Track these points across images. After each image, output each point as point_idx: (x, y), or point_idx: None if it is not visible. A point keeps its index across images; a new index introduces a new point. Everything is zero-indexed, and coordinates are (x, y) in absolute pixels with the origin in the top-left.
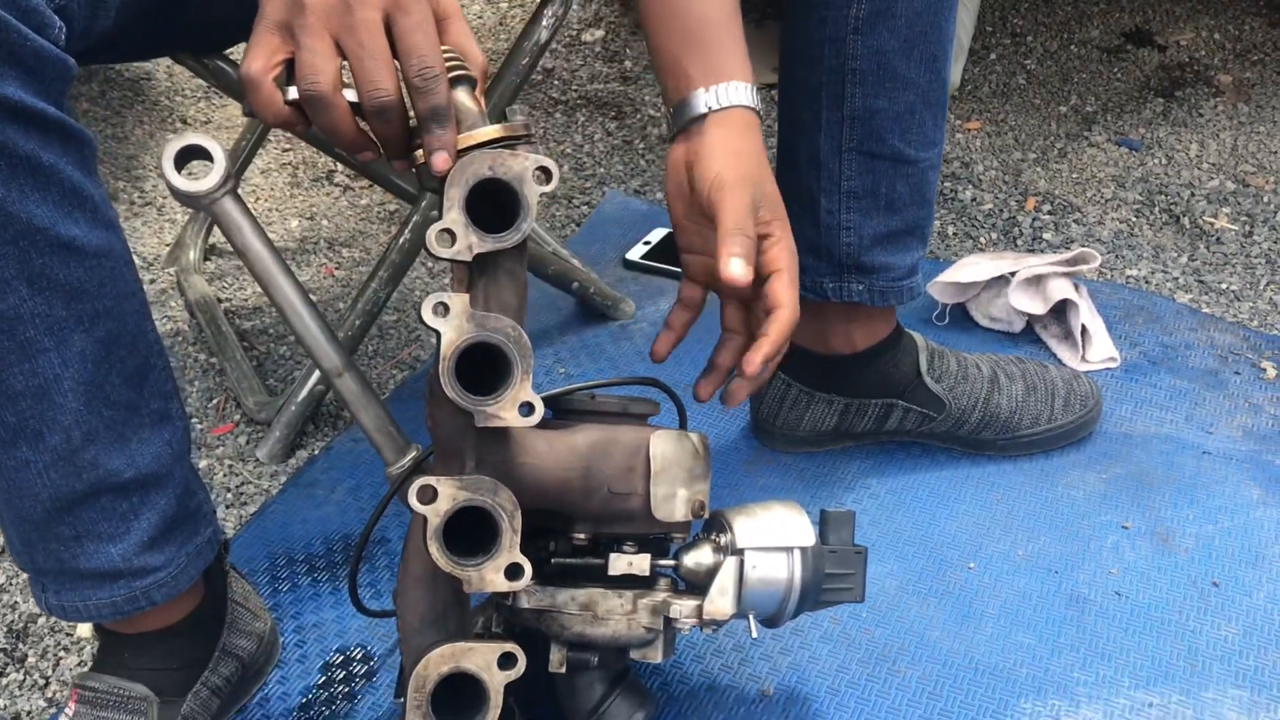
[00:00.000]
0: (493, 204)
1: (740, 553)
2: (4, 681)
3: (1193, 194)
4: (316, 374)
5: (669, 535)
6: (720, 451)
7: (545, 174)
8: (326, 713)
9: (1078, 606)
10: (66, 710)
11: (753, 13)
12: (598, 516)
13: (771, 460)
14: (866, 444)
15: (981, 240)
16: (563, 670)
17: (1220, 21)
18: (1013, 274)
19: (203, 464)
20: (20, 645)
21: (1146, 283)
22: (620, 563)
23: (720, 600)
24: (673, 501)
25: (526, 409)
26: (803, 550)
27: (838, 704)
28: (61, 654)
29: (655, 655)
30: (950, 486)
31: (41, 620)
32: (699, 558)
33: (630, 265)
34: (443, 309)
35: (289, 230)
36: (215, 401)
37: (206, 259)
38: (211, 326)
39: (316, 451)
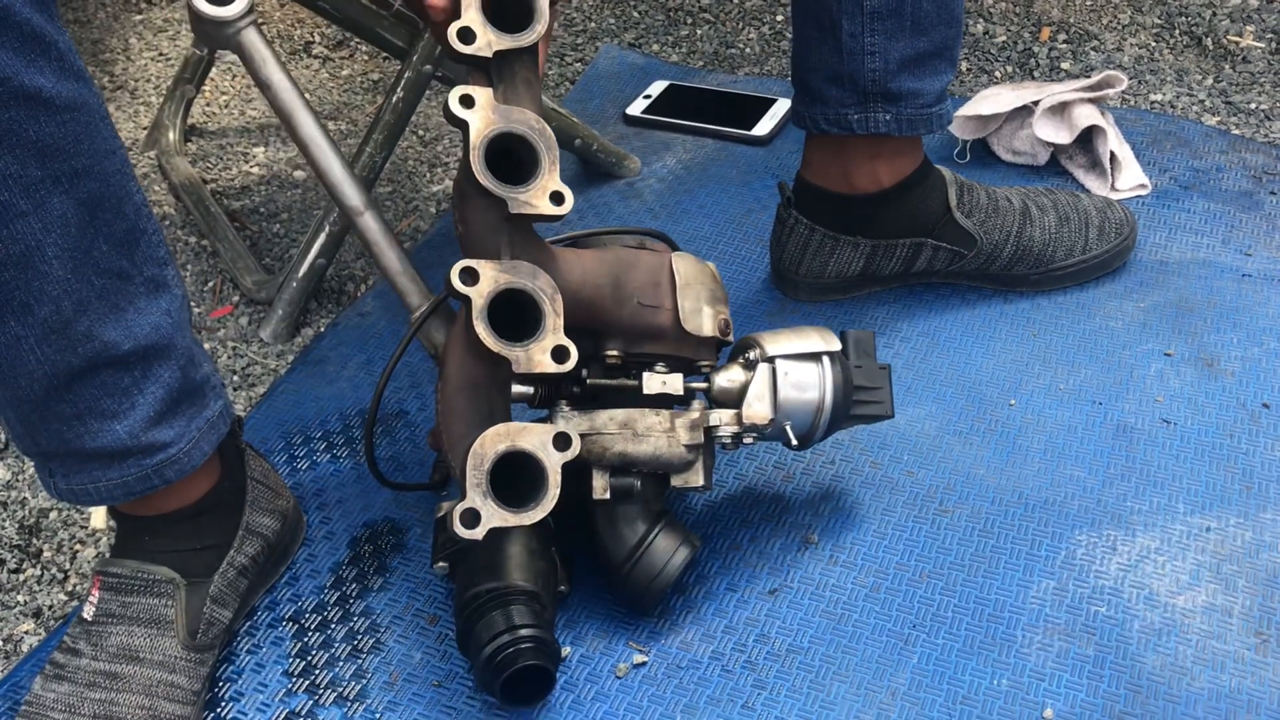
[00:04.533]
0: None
1: (772, 360)
2: (22, 578)
3: (1214, 13)
4: (316, 247)
5: (698, 361)
6: (741, 305)
7: None
8: (358, 589)
9: (1125, 436)
10: (91, 599)
11: None
12: (628, 329)
13: (796, 310)
14: (894, 287)
15: (997, 74)
16: (606, 496)
17: None
18: (1035, 103)
19: (205, 346)
20: (34, 540)
21: (1172, 107)
22: (654, 381)
23: (758, 405)
24: (700, 316)
25: (557, 198)
26: (831, 356)
27: (885, 547)
28: (77, 547)
29: (697, 479)
30: (984, 324)
31: (54, 514)
32: (731, 375)
33: (631, 120)
34: (469, 101)
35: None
36: (211, 284)
37: (187, 140)
38: (200, 208)
39: (322, 329)
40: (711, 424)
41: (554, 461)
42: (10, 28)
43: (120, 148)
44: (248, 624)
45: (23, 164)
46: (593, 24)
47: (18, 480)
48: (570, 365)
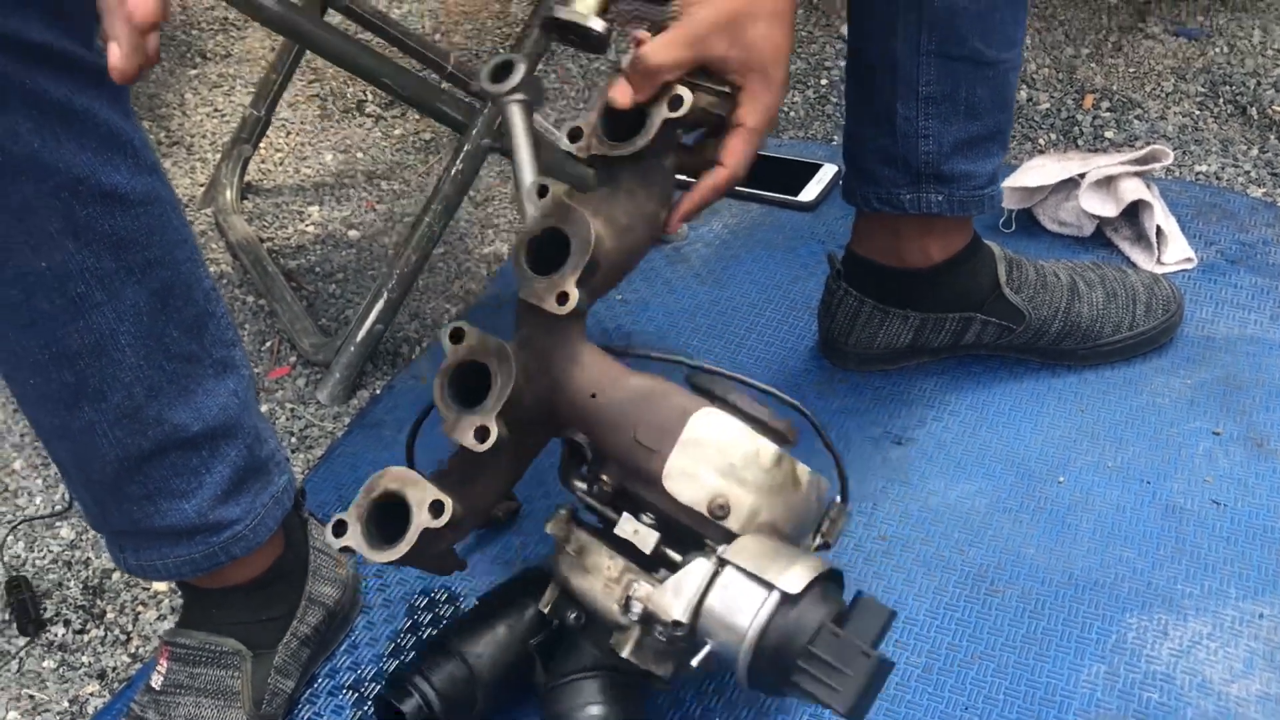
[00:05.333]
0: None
1: (722, 563)
2: (86, 638)
3: (1259, 83)
4: (375, 313)
5: (701, 533)
6: (790, 374)
7: (677, 101)
8: (416, 656)
9: (1175, 517)
10: (159, 668)
11: None
12: (621, 461)
13: (845, 380)
14: (942, 359)
15: (1041, 141)
16: (545, 610)
17: None
18: (1081, 176)
19: (263, 408)
20: (98, 601)
21: (1217, 178)
22: (627, 525)
23: (669, 598)
24: (688, 481)
25: (562, 298)
26: (786, 597)
27: (938, 627)
28: (140, 609)
29: (624, 647)
30: (1032, 399)
31: (117, 575)
32: (691, 557)
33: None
34: (543, 190)
35: (324, 164)
36: (268, 344)
37: (243, 198)
38: (257, 267)
39: (378, 391)
40: (630, 591)
41: (420, 521)
42: (91, 130)
43: (190, 236)
44: (308, 691)
45: (98, 257)
46: None
47: (81, 540)
48: (485, 447)
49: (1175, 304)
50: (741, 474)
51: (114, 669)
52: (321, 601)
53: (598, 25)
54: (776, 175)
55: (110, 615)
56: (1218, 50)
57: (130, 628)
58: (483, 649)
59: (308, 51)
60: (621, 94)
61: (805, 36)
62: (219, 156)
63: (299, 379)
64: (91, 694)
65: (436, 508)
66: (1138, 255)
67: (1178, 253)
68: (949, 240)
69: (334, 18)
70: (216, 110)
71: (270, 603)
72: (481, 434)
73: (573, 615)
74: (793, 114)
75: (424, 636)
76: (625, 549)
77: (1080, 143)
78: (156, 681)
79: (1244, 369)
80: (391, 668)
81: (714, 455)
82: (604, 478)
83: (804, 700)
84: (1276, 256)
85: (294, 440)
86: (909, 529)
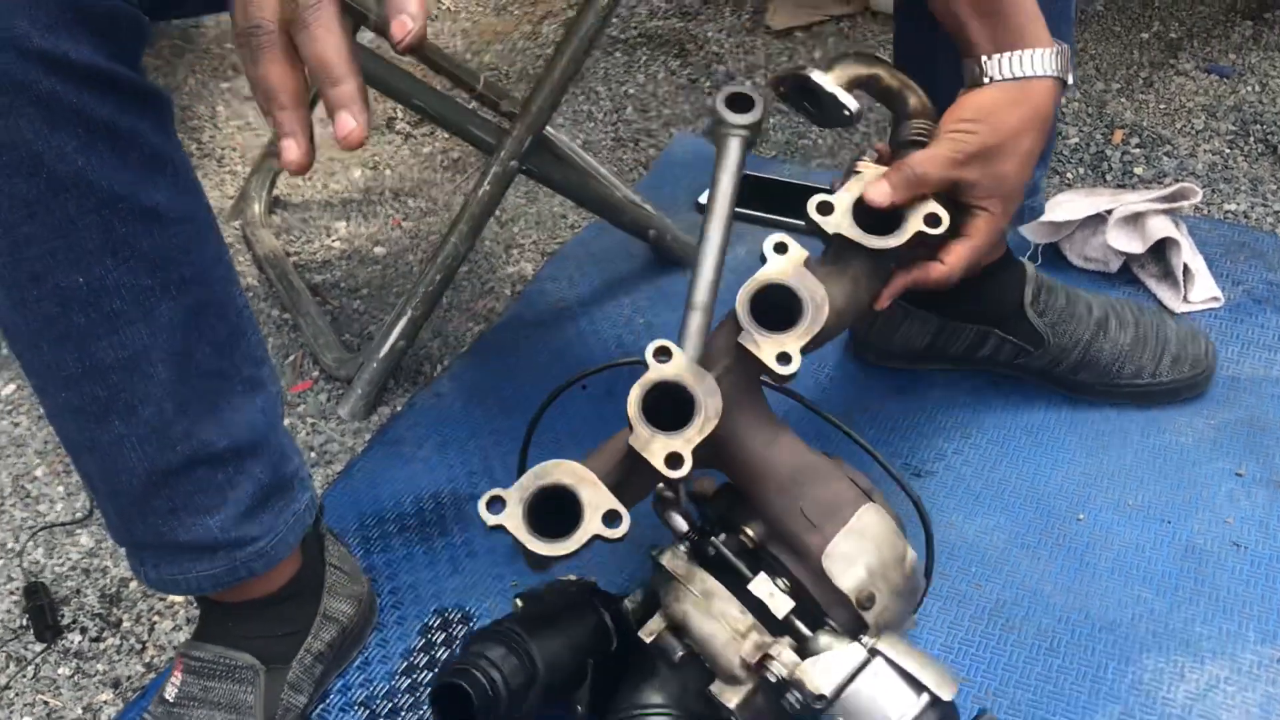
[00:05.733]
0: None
1: (876, 652)
2: (102, 647)
3: None
4: (398, 330)
5: (827, 613)
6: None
7: (935, 220)
8: (429, 676)
9: (1195, 558)
10: (173, 680)
11: None
12: (774, 523)
13: (865, 410)
14: (962, 370)
15: (1069, 176)
16: (648, 640)
17: None
18: (1109, 212)
19: (284, 422)
20: (114, 610)
21: (1246, 217)
22: (764, 585)
23: (818, 672)
24: (846, 565)
25: (784, 358)
26: (937, 701)
27: (952, 661)
28: (156, 619)
29: (732, 700)
30: (1053, 435)
31: (134, 585)
32: (832, 641)
33: (703, 209)
34: (781, 248)
35: (352, 181)
36: (292, 358)
37: (271, 212)
38: (283, 281)
39: (399, 408)
40: (771, 653)
41: (592, 526)
42: (134, 150)
43: (226, 254)
44: (320, 707)
45: (135, 274)
46: (667, 110)
47: (100, 548)
48: (677, 475)
49: (1205, 364)
50: (889, 574)
51: (128, 678)
52: (336, 618)
53: (853, 104)
54: (800, 203)
55: (126, 624)
56: (1249, 89)
57: (146, 637)
58: (546, 652)
59: None
60: (880, 194)
61: None
62: (249, 170)
63: (321, 394)
64: (105, 702)
65: (612, 518)
66: (1164, 293)
67: (1204, 291)
68: None
69: (365, 35)
70: (248, 124)
71: (286, 618)
72: (675, 461)
73: (679, 654)
74: (820, 142)
75: (437, 655)
76: (752, 605)
77: (1109, 178)
78: (170, 693)
79: (1269, 410)
80: (404, 686)
81: (872, 550)
82: (748, 532)
83: None
84: None
85: (313, 455)
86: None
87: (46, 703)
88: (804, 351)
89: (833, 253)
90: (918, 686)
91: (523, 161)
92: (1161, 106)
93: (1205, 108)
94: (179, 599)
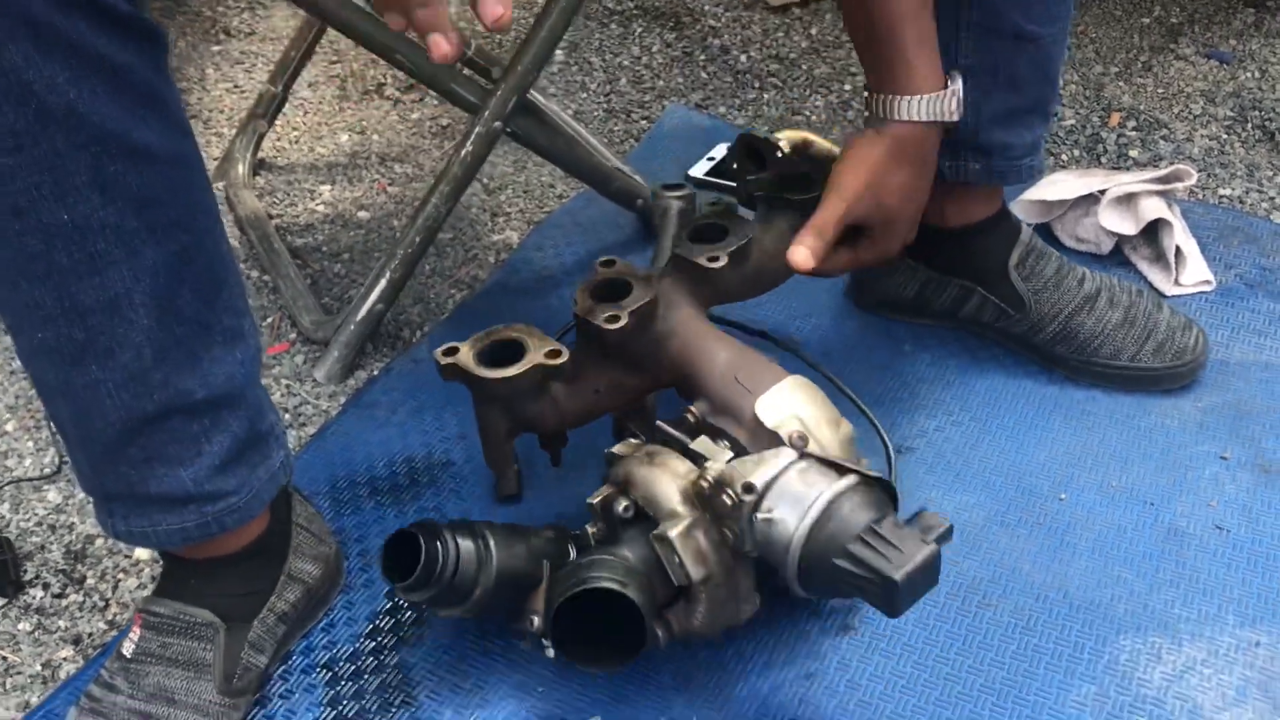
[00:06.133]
0: None
1: (806, 455)
2: (64, 603)
3: None
4: (376, 292)
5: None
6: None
7: None
8: (393, 640)
9: (1176, 540)
10: (131, 635)
11: None
12: (714, 397)
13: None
14: (947, 326)
15: (1064, 158)
16: (595, 501)
17: None
18: (1101, 192)
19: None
20: (79, 566)
21: (1241, 202)
22: (704, 443)
23: (750, 466)
24: (777, 412)
25: (714, 259)
26: (863, 480)
27: (926, 638)
28: (120, 575)
29: (672, 529)
30: (1038, 414)
31: (100, 541)
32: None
33: (694, 182)
34: (717, 202)
35: (339, 145)
36: (270, 320)
37: (255, 174)
38: (264, 243)
39: (375, 372)
40: (709, 465)
41: (535, 357)
42: (128, 86)
43: (213, 200)
44: (282, 668)
45: (121, 215)
46: (661, 82)
47: (68, 504)
48: (615, 328)
49: (1191, 356)
50: (822, 430)
51: (90, 635)
52: (301, 579)
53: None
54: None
55: (90, 581)
56: (1249, 75)
57: (110, 594)
58: (502, 546)
59: (329, 31)
60: (803, 260)
61: (831, 41)
62: (235, 132)
63: (297, 356)
64: (65, 659)
65: (554, 354)
66: (1155, 275)
67: (1196, 274)
68: (970, 208)
69: None
70: (236, 86)
71: (249, 576)
72: (613, 319)
73: (622, 506)
74: (814, 118)
75: (403, 619)
76: (695, 461)
77: (1104, 160)
78: (128, 649)
79: (1256, 395)
80: (368, 648)
81: (802, 403)
82: (691, 409)
83: (849, 590)
84: None
85: (288, 417)
86: None
87: (5, 658)
88: (729, 290)
89: (761, 212)
90: (842, 471)
91: (507, 123)
92: (1160, 91)
93: (1204, 93)
94: (144, 556)
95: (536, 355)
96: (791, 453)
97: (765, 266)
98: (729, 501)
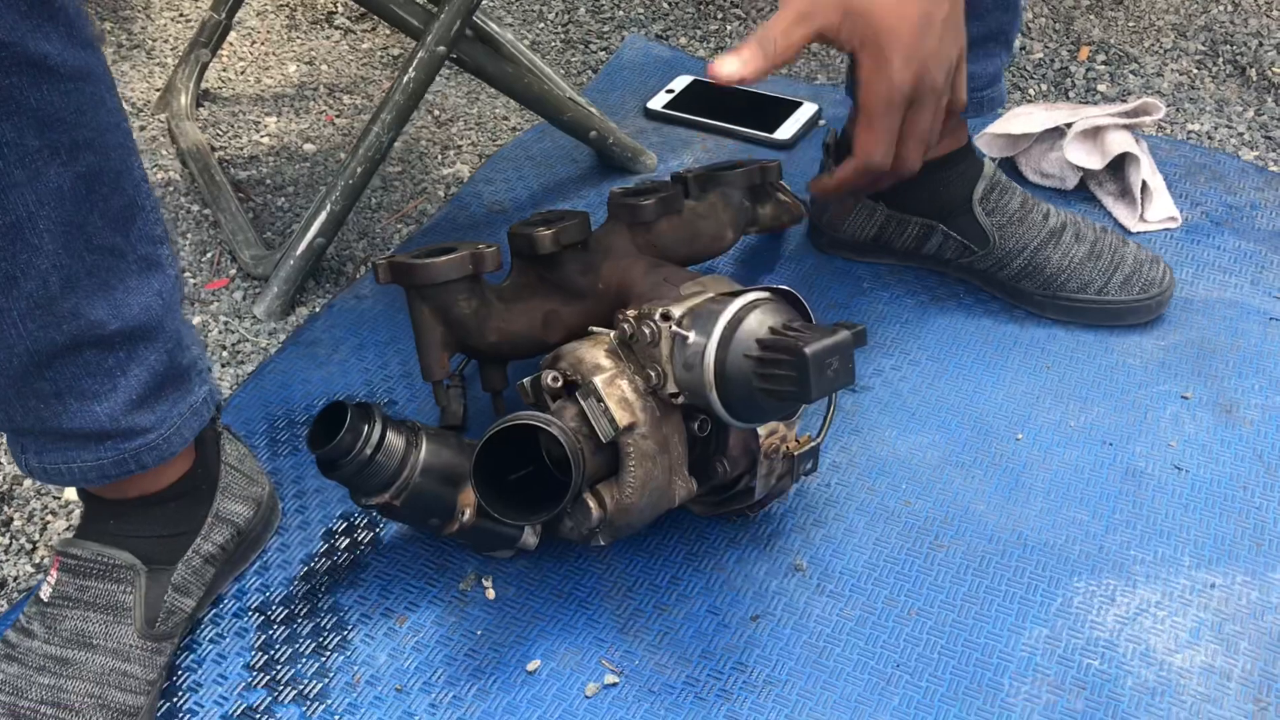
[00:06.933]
0: None
1: (724, 298)
2: None
3: (1261, 44)
4: (317, 225)
5: None
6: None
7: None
8: (329, 581)
9: (1134, 481)
10: (49, 579)
11: None
12: (643, 297)
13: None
14: (908, 265)
15: (1031, 92)
16: (525, 382)
17: None
18: (1068, 126)
19: (196, 320)
20: (5, 508)
21: (1209, 138)
22: (631, 316)
23: (671, 305)
24: (698, 288)
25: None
26: (772, 294)
27: (875, 579)
28: (49, 518)
29: (597, 376)
30: (997, 353)
31: (27, 483)
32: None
33: (652, 115)
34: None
35: (286, 75)
36: (209, 255)
37: (199, 105)
38: (205, 175)
39: (317, 309)
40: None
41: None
42: None
43: (124, 121)
44: (213, 612)
45: (20, 133)
46: (621, 12)
47: None
48: (548, 235)
49: (1158, 290)
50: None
51: (15, 579)
52: (230, 520)
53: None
54: (754, 112)
55: (17, 523)
56: (1221, 8)
57: (37, 537)
58: (434, 439)
59: None
60: (729, 68)
61: None
62: (178, 62)
63: (236, 292)
64: None
65: (487, 245)
66: (1120, 211)
67: (1162, 211)
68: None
69: None
70: (181, 15)
71: (173, 518)
72: (546, 228)
73: (550, 377)
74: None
75: (339, 561)
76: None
77: (1072, 95)
78: (45, 593)
79: (1220, 333)
80: (302, 591)
81: (724, 283)
82: (625, 312)
83: (767, 395)
84: (1263, 221)
85: (225, 354)
86: (854, 478)
87: None
88: (664, 208)
89: (696, 191)
90: (754, 291)
91: (452, 48)
92: (1130, 24)
93: (1175, 26)
94: (74, 497)
95: (469, 248)
96: (708, 294)
97: (699, 227)
98: (649, 332)
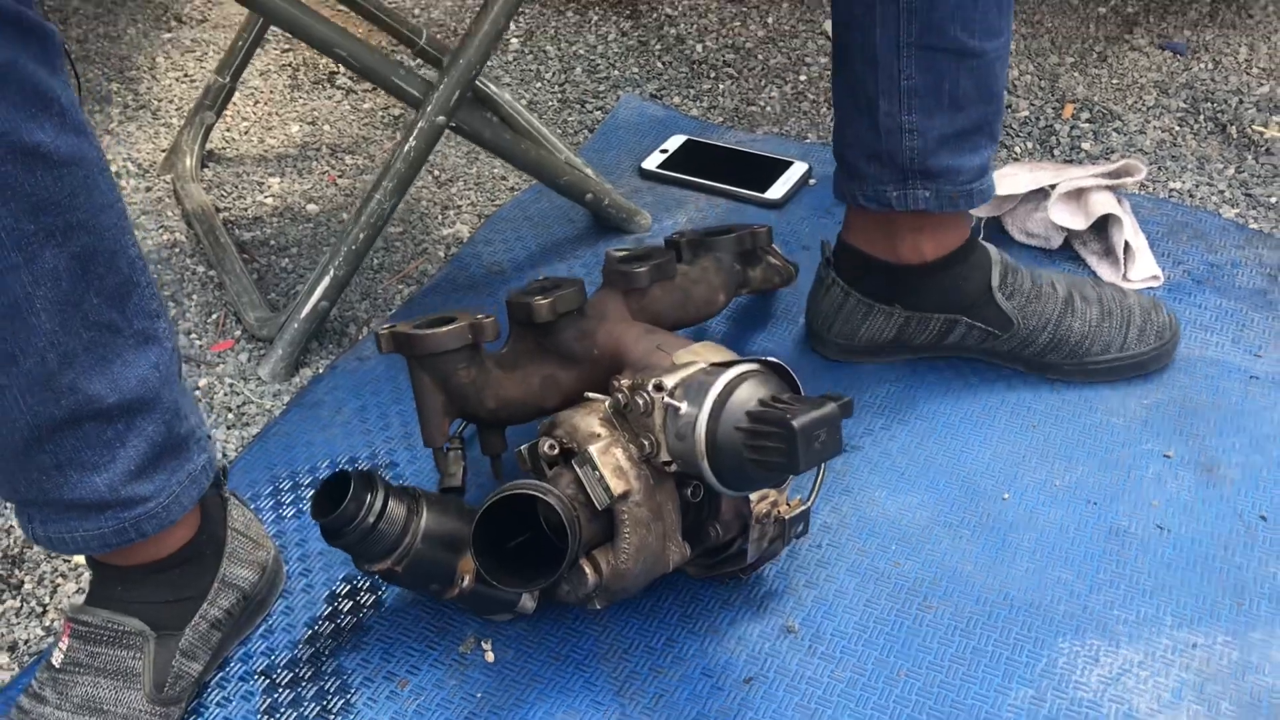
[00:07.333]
0: None
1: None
2: (0, 609)
3: (1241, 101)
4: (320, 290)
5: None
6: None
7: None
8: (333, 644)
9: (1118, 540)
10: (60, 645)
11: None
12: (637, 364)
13: (809, 369)
14: (924, 357)
15: (1017, 149)
16: (523, 449)
17: None
18: (1052, 187)
19: (203, 382)
20: (16, 571)
21: (1191, 196)
22: (623, 385)
23: (665, 375)
24: (690, 356)
25: (637, 267)
26: (762, 366)
27: (866, 640)
28: (59, 580)
29: (592, 444)
30: (984, 412)
31: (38, 546)
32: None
33: (646, 174)
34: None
35: (289, 135)
36: (215, 316)
37: (203, 166)
38: (210, 237)
39: (321, 370)
40: (628, 379)
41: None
42: (12, 83)
43: (118, 201)
44: (219, 675)
45: (16, 218)
46: (616, 72)
47: (6, 508)
48: (545, 302)
49: (1170, 332)
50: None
51: (26, 641)
52: (236, 584)
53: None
54: (746, 171)
55: (28, 586)
56: (1202, 66)
57: (47, 600)
58: (435, 506)
59: None
60: None
61: (787, 30)
62: (183, 123)
63: (242, 354)
64: (0, 666)
65: (485, 315)
66: (1105, 270)
67: (1145, 270)
68: (943, 238)
69: None
70: (187, 75)
71: (180, 583)
72: (543, 297)
73: (548, 445)
74: (769, 109)
75: (343, 624)
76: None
77: (1057, 153)
78: (56, 659)
79: (1201, 392)
80: (307, 655)
81: (714, 353)
82: (620, 381)
83: (756, 465)
84: (1243, 279)
85: (230, 416)
86: (845, 538)
87: None
88: (657, 275)
89: (688, 256)
90: (743, 363)
91: (451, 117)
92: (1114, 82)
93: (1157, 84)
94: (84, 561)
95: (468, 319)
96: (700, 364)
97: (691, 292)
98: (642, 403)
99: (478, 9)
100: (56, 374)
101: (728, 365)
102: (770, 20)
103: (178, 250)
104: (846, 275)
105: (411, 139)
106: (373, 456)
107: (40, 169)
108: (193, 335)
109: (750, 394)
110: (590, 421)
